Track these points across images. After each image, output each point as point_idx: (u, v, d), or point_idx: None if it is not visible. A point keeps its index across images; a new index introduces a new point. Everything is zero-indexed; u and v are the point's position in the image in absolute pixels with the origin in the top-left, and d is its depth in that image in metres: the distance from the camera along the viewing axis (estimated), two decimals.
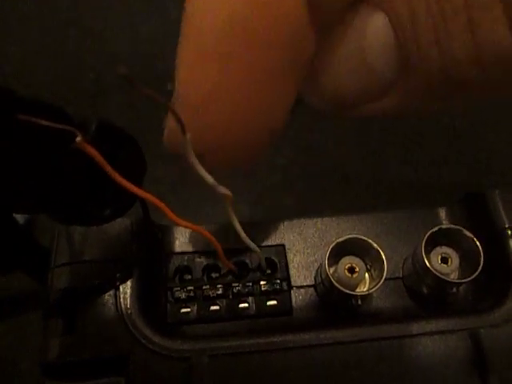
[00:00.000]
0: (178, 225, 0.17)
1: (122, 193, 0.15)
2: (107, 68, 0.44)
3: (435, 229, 0.18)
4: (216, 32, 0.11)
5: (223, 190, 0.14)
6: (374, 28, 0.11)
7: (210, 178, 0.13)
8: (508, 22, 0.09)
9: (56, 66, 0.44)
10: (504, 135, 0.41)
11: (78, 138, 0.14)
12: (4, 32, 0.46)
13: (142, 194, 0.16)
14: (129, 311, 0.19)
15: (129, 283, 0.19)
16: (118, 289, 0.19)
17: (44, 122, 0.13)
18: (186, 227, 0.18)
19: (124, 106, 0.42)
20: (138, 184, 0.16)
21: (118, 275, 0.19)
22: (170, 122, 0.13)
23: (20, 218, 0.27)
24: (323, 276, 0.19)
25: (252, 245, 0.18)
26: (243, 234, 0.17)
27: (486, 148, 0.41)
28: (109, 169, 0.15)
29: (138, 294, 0.19)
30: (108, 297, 0.19)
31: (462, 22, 0.10)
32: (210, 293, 0.19)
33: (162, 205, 0.17)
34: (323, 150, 0.40)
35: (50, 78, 0.43)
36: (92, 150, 0.14)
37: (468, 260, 0.19)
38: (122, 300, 0.19)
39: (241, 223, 0.22)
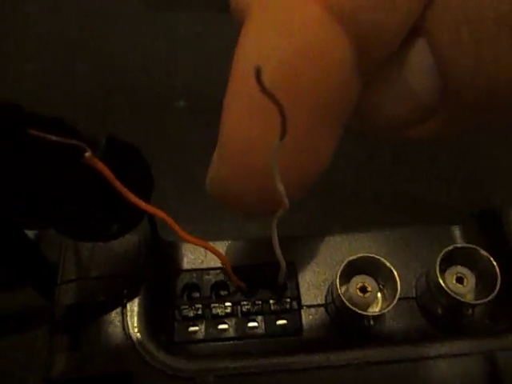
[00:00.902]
0: (186, 241, 0.17)
1: (130, 208, 0.15)
2: (117, 85, 0.44)
3: (450, 247, 0.18)
4: (266, 78, 0.11)
5: (286, 201, 0.14)
6: (415, 53, 0.11)
7: (281, 188, 0.13)
8: None
9: (65, 83, 0.45)
10: None
11: (88, 154, 0.14)
12: (16, 50, 0.47)
13: (150, 210, 0.16)
14: (135, 329, 0.18)
15: (136, 300, 0.19)
16: (125, 306, 0.19)
17: (54, 138, 0.13)
18: (194, 244, 0.18)
19: (132, 123, 0.42)
20: (146, 200, 0.16)
21: (124, 292, 0.19)
22: (217, 170, 0.13)
23: (30, 233, 0.27)
24: (334, 295, 0.18)
25: (282, 261, 0.18)
26: (278, 248, 0.17)
27: (494, 165, 0.41)
28: (118, 184, 0.15)
29: (145, 312, 0.19)
30: (115, 314, 0.19)
31: (506, 46, 0.10)
32: (219, 311, 0.19)
33: (170, 221, 0.16)
34: (333, 166, 0.40)
35: (59, 94, 0.44)
36: (101, 166, 0.14)
37: (484, 280, 0.18)
38: (128, 318, 0.18)
39: (250, 240, 0.21)
